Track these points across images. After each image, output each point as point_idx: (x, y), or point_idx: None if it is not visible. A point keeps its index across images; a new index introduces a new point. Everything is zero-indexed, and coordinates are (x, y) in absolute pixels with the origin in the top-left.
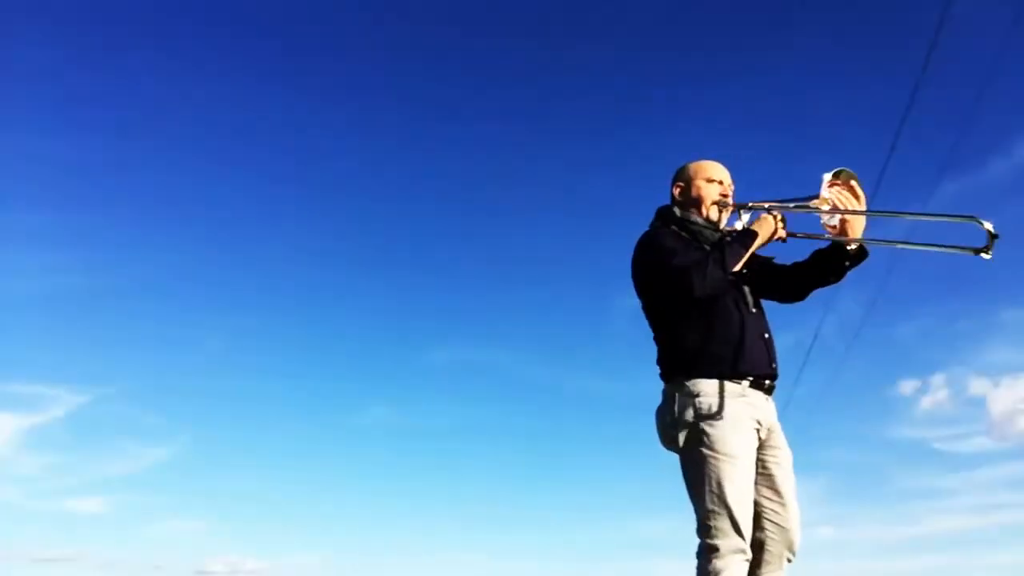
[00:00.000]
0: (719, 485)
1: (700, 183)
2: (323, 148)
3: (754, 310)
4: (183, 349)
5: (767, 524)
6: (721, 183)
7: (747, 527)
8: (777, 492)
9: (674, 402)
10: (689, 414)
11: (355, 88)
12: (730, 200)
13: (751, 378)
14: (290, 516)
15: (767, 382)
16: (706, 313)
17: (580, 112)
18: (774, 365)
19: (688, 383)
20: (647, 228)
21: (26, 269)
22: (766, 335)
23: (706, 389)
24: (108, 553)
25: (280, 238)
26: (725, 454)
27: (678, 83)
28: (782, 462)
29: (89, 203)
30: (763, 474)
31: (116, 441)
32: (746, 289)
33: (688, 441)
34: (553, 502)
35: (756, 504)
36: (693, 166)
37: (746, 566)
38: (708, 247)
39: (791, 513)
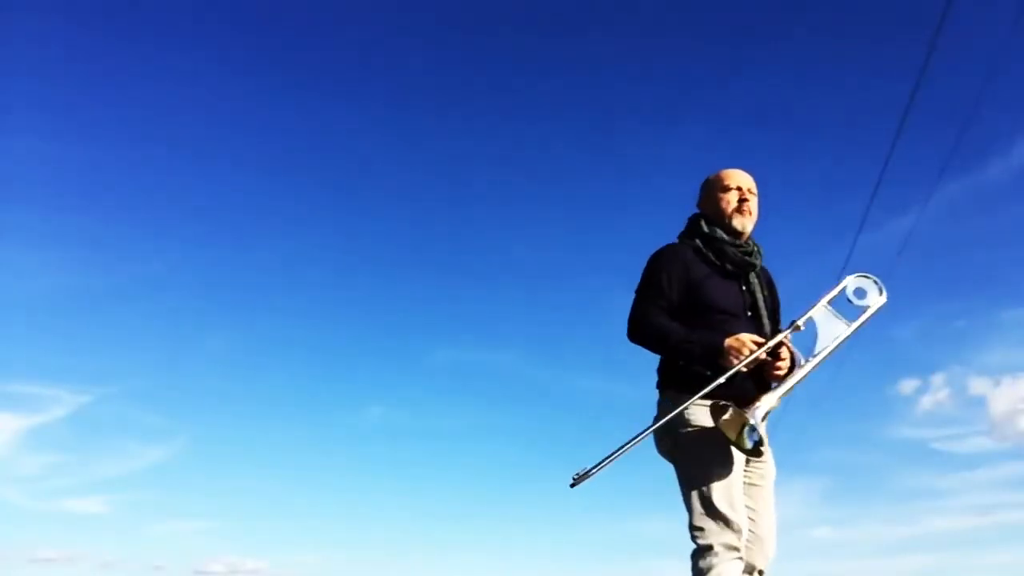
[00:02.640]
0: (705, 489)
1: (717, 194)
2: (324, 148)
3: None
4: (183, 349)
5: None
6: (739, 189)
7: (738, 527)
8: (754, 503)
9: (660, 413)
10: (673, 425)
11: (357, 87)
12: (749, 206)
13: (729, 402)
14: (290, 516)
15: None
16: (703, 333)
17: (578, 113)
18: (760, 394)
19: (673, 395)
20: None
21: (26, 269)
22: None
23: (687, 403)
24: (108, 553)
25: (280, 238)
26: (707, 461)
27: (678, 84)
28: (763, 475)
29: (89, 203)
30: (744, 484)
31: (116, 441)
32: (763, 315)
33: (674, 450)
34: (553, 502)
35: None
36: (710, 179)
37: (739, 564)
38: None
39: (766, 524)
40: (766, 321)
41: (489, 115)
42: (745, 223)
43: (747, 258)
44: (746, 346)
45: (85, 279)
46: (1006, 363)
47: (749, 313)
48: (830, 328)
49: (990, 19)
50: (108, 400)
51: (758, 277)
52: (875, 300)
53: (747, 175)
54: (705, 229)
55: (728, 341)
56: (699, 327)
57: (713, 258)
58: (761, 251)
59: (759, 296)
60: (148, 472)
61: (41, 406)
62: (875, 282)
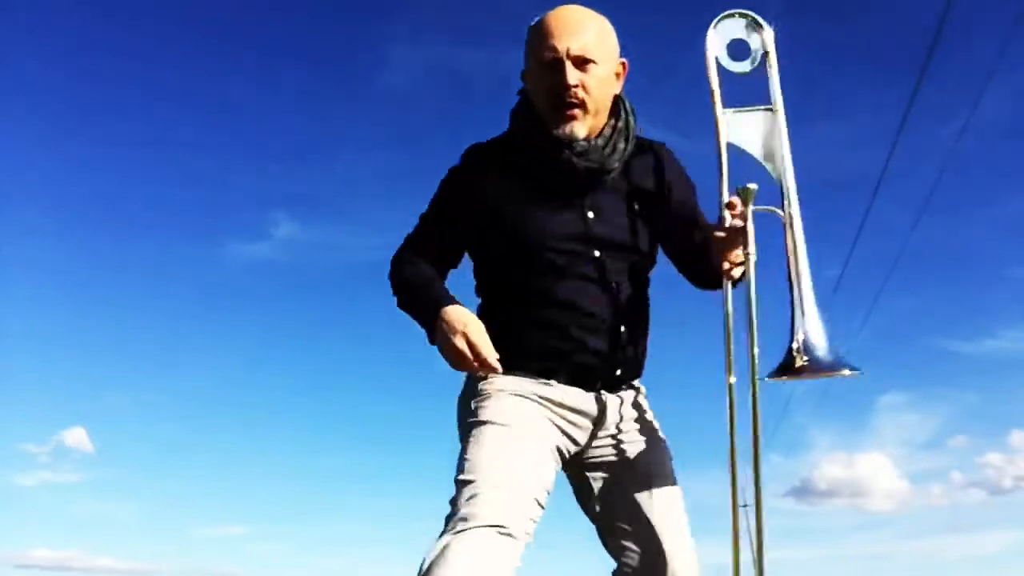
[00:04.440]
0: (474, 449)
1: (532, 67)
2: None
3: (606, 294)
4: None
5: (625, 545)
6: (554, 61)
7: (499, 493)
8: (631, 500)
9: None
10: (464, 399)
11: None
12: (578, 91)
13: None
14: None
15: (594, 380)
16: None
17: None
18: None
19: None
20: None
21: None
22: (619, 326)
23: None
24: None
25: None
26: (488, 419)
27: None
28: (633, 459)
29: None
30: (606, 477)
31: None
32: (624, 248)
33: (458, 424)
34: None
35: (609, 519)
36: (528, 32)
37: (488, 541)
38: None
39: (654, 527)
40: (631, 256)
41: None
42: (574, 128)
43: (587, 165)
44: (457, 351)
45: None
46: None
47: (597, 252)
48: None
49: (991, 19)
50: None
51: (618, 185)
52: (765, 43)
53: (575, 18)
54: (521, 124)
55: (439, 331)
56: (519, 280)
57: (534, 170)
58: (626, 139)
59: (613, 220)
60: None
61: None
62: (748, 21)
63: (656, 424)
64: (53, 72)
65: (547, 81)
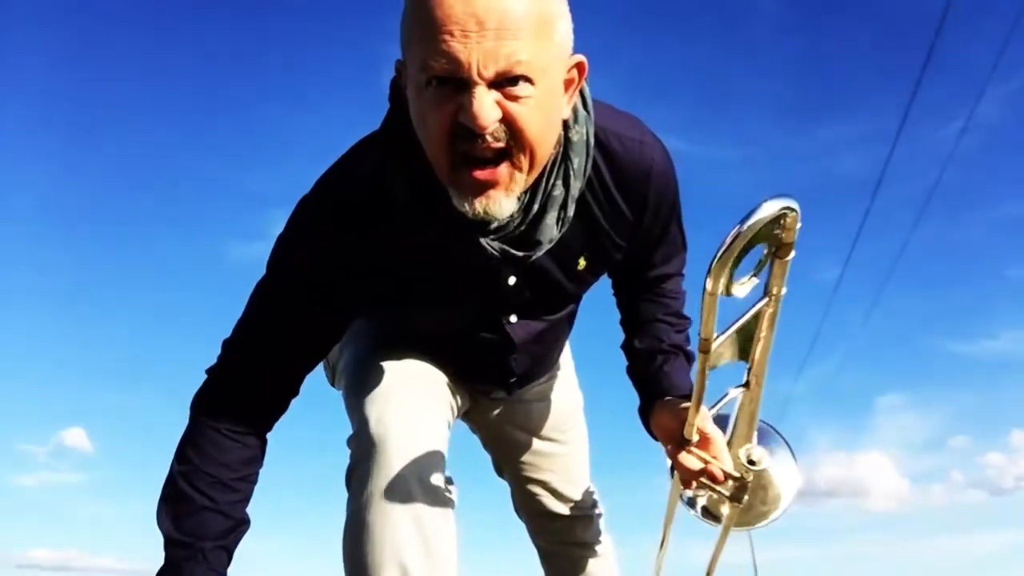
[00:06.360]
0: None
1: (413, 77)
2: None
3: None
4: None
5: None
6: (453, 76)
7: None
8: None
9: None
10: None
11: None
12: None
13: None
14: None
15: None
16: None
17: None
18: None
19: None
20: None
21: None
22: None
23: None
24: None
25: None
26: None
27: (686, 66)
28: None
29: None
30: (506, 434)
31: None
32: (521, 324)
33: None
34: None
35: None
36: (407, 4)
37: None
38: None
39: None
40: (557, 311)
41: None
42: (489, 205)
43: (505, 249)
44: None
45: None
46: None
47: (513, 317)
48: None
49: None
50: None
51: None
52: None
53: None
54: (399, 177)
55: None
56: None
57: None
58: (568, 183)
59: (541, 283)
60: None
61: None
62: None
63: (564, 375)
64: (52, 71)
65: (440, 112)
